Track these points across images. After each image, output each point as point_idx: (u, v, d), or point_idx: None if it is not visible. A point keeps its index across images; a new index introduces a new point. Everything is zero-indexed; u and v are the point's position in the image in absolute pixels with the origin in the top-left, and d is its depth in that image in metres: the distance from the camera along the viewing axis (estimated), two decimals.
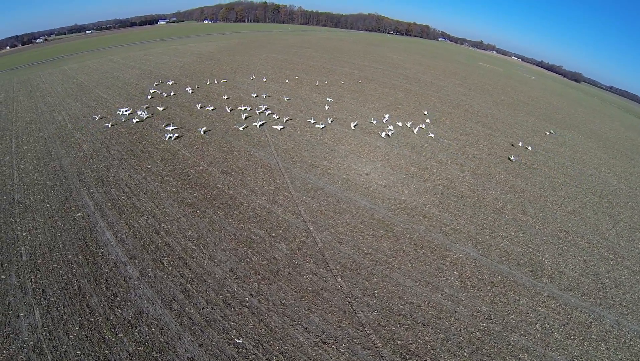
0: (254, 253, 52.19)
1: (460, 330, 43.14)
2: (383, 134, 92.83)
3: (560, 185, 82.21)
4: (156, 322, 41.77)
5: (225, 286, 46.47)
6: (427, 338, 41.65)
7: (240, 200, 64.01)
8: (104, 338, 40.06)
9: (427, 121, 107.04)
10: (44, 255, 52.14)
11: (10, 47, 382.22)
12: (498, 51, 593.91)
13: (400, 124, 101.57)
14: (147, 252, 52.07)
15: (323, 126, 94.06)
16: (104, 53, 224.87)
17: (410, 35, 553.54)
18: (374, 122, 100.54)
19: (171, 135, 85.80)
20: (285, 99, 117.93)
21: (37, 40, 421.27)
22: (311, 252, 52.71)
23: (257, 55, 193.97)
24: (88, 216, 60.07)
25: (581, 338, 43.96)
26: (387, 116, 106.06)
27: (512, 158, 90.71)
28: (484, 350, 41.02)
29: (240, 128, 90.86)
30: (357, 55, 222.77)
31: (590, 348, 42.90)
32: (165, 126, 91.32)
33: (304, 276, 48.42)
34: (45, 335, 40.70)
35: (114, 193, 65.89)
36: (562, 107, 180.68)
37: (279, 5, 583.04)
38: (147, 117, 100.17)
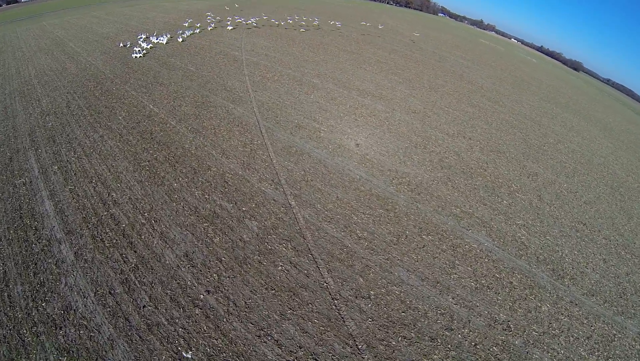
0: (217, 231, 41.31)
1: (476, 345, 33.22)
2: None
3: (573, 172, 74.01)
4: (85, 323, 31.43)
5: (176, 277, 35.67)
6: (435, 356, 31.40)
7: (208, 164, 53.56)
8: (23, 340, 30.24)
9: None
10: None
11: None
12: (497, 32, 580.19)
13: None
14: (88, 227, 41.77)
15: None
16: (90, 9, 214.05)
17: (409, 7, 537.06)
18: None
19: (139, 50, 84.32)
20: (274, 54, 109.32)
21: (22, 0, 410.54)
22: (290, 233, 41.61)
23: (249, 15, 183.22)
24: (30, 182, 50.46)
25: (605, 353, 35.54)
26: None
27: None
28: None
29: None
30: (356, 19, 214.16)
31: None
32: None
33: (279, 267, 37.26)
34: None
35: (63, 154, 56.07)
36: (564, 91, 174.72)
37: None
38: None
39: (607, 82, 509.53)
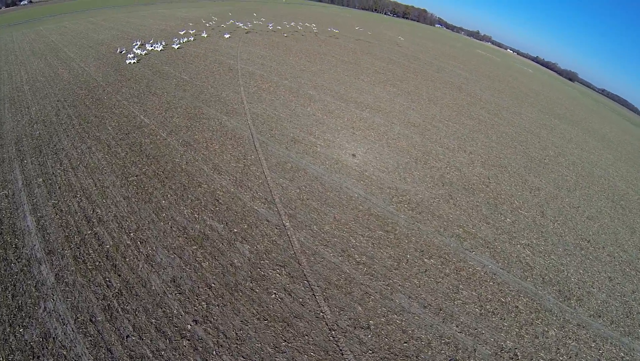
0: (206, 255, 38.70)
1: None
2: None
3: (574, 185, 72.76)
4: (65, 352, 28.95)
5: (163, 304, 33.10)
6: None
7: (199, 180, 51.06)
8: None
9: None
10: None
11: None
12: (494, 43, 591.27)
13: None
14: (70, 246, 39.20)
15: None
16: (87, 15, 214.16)
17: (407, 18, 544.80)
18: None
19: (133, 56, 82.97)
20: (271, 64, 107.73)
21: (22, 2, 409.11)
22: (284, 258, 39.03)
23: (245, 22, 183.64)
24: (13, 194, 47.99)
25: None
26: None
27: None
28: None
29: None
30: (353, 30, 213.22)
31: None
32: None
33: (272, 295, 34.69)
34: None
35: (49, 166, 53.68)
36: (561, 102, 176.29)
37: None
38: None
39: (602, 92, 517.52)
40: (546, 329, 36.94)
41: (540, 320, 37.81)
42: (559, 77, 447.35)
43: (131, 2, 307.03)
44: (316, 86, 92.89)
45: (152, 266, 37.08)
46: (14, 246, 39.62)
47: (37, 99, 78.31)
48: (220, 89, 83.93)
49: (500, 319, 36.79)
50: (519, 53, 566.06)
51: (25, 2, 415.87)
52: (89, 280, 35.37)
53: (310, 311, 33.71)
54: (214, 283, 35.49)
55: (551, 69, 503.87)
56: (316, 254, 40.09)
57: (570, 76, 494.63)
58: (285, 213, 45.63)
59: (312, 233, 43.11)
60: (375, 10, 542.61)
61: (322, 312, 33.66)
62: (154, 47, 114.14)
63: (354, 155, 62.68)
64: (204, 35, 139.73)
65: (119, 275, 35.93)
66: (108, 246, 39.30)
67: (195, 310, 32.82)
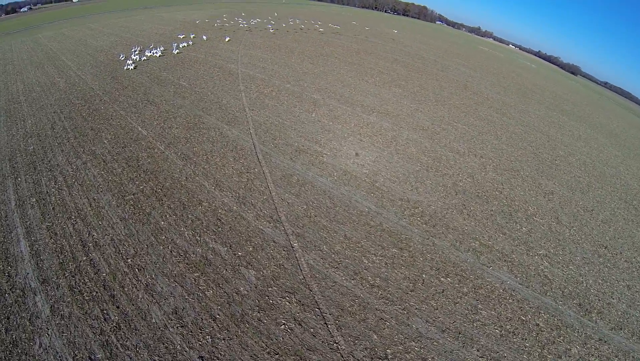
0: (209, 283, 36.06)
1: None
2: None
3: (587, 186, 70.45)
4: None
5: (164, 339, 30.56)
6: None
7: (199, 197, 48.47)
8: None
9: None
10: None
11: None
12: (495, 38, 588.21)
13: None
14: (65, 274, 36.83)
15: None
16: (85, 20, 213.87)
17: (407, 15, 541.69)
18: None
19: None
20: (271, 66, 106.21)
21: (22, 10, 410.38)
22: (293, 284, 36.39)
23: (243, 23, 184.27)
24: (6, 216, 45.86)
25: None
26: None
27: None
28: None
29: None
30: (354, 29, 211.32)
31: None
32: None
33: (282, 326, 32.07)
34: None
35: (43, 184, 51.52)
36: (567, 98, 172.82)
37: None
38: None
39: (605, 85, 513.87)
40: (568, 347, 34.81)
41: (562, 338, 35.64)
42: (561, 71, 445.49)
43: (129, 6, 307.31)
44: (320, 89, 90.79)
45: (152, 296, 34.59)
46: (7, 274, 37.49)
47: (33, 110, 76.96)
48: (220, 95, 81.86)
49: (522, 339, 34.51)
50: (521, 48, 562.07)
51: (25, 9, 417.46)
52: (86, 313, 33.02)
53: (323, 342, 31.19)
54: (218, 314, 32.96)
55: (554, 63, 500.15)
56: (327, 278, 37.53)
57: (573, 70, 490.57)
58: (293, 233, 43.10)
59: (322, 254, 40.54)
60: (376, 8, 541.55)
61: (335, 343, 31.16)
62: (153, 53, 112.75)
63: (357, 154, 61.12)
64: (204, 38, 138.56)
65: (117, 307, 33.52)
66: (105, 274, 36.90)
67: (200, 344, 30.32)
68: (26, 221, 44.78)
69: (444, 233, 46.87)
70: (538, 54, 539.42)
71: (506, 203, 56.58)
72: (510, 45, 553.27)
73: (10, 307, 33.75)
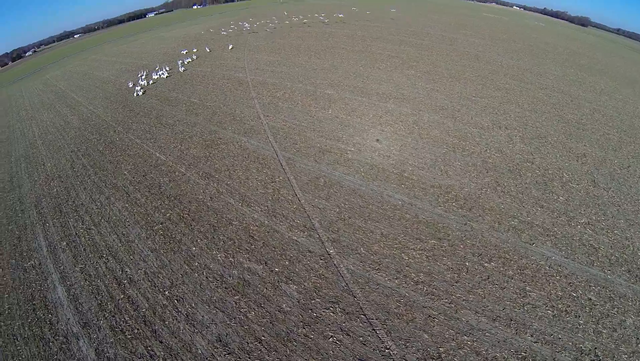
0: (250, 304, 35.01)
1: None
2: None
3: (619, 143, 67.16)
4: None
5: None
6: None
7: (228, 216, 47.33)
8: None
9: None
10: None
11: (1, 66, 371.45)
12: (498, 2, 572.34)
13: None
14: (105, 316, 36.29)
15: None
16: (88, 53, 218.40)
17: None
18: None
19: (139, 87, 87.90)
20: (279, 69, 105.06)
21: (27, 54, 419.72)
22: (336, 293, 35.10)
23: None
24: (40, 264, 45.69)
25: None
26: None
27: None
28: None
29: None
30: (356, 15, 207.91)
31: None
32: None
33: (330, 339, 30.80)
34: None
35: (71, 226, 51.22)
36: (582, 52, 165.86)
37: None
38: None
39: (618, 32, 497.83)
40: (623, 318, 32.89)
41: (616, 309, 33.76)
42: (571, 24, 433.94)
43: (127, 32, 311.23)
44: (333, 84, 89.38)
45: (194, 326, 33.75)
46: (48, 322, 37.30)
47: (51, 152, 77.39)
48: (233, 106, 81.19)
49: (575, 317, 32.81)
50: (525, 8, 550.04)
51: (30, 52, 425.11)
52: (131, 352, 32.47)
53: (374, 349, 29.91)
54: (263, 336, 31.89)
55: (562, 18, 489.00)
56: (369, 281, 36.17)
57: (583, 21, 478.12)
58: (328, 239, 41.76)
59: (361, 257, 39.18)
60: None
61: (387, 348, 29.86)
62: (160, 75, 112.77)
63: (377, 140, 60.44)
64: (207, 50, 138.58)
65: (161, 342, 32.82)
66: (144, 310, 36.27)
67: None
68: (59, 266, 44.52)
69: (481, 215, 45.28)
70: (544, 11, 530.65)
71: (539, 173, 54.65)
72: (515, 7, 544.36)
73: (56, 355, 33.43)
